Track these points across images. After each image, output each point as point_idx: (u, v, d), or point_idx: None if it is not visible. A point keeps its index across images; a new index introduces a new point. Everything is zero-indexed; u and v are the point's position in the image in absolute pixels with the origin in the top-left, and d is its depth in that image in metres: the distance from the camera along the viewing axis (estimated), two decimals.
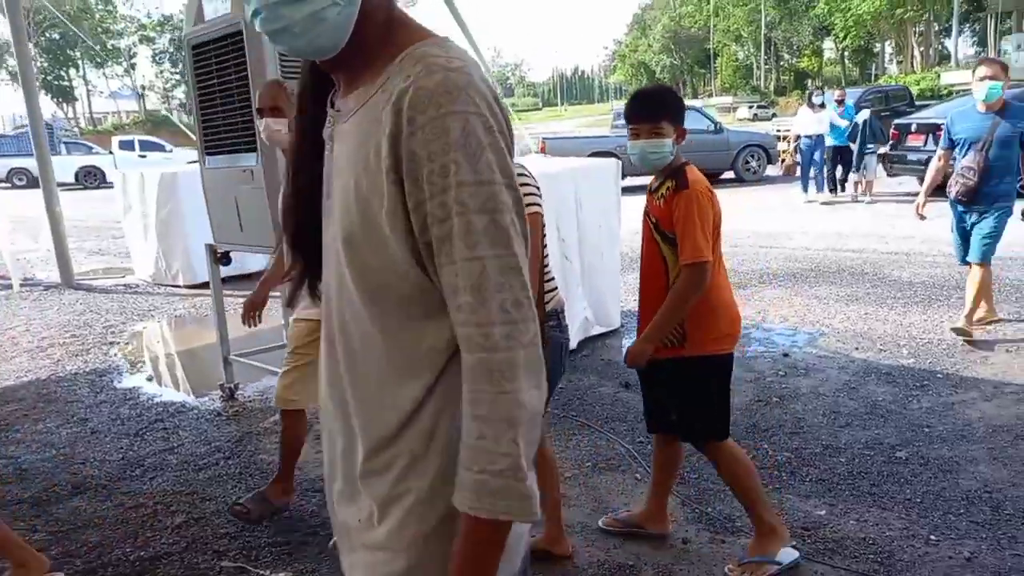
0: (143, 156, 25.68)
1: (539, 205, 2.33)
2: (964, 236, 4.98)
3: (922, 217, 5.25)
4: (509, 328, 0.89)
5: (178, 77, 63.89)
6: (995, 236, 4.79)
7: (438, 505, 0.99)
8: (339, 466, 1.11)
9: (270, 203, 3.93)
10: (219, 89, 4.08)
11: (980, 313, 5.07)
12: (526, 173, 2.37)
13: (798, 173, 12.82)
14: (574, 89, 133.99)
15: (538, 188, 2.37)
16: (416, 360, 0.98)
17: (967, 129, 4.80)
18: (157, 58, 64.06)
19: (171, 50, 62.42)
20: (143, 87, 65.05)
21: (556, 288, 2.56)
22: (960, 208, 4.92)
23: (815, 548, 2.75)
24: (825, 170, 12.19)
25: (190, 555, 2.94)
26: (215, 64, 4.03)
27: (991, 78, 4.64)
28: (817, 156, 12.04)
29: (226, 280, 4.99)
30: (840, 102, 12.10)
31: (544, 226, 2.46)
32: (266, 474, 3.59)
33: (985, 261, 4.83)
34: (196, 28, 4.08)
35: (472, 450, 0.91)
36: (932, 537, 2.78)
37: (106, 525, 3.20)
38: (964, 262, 5.09)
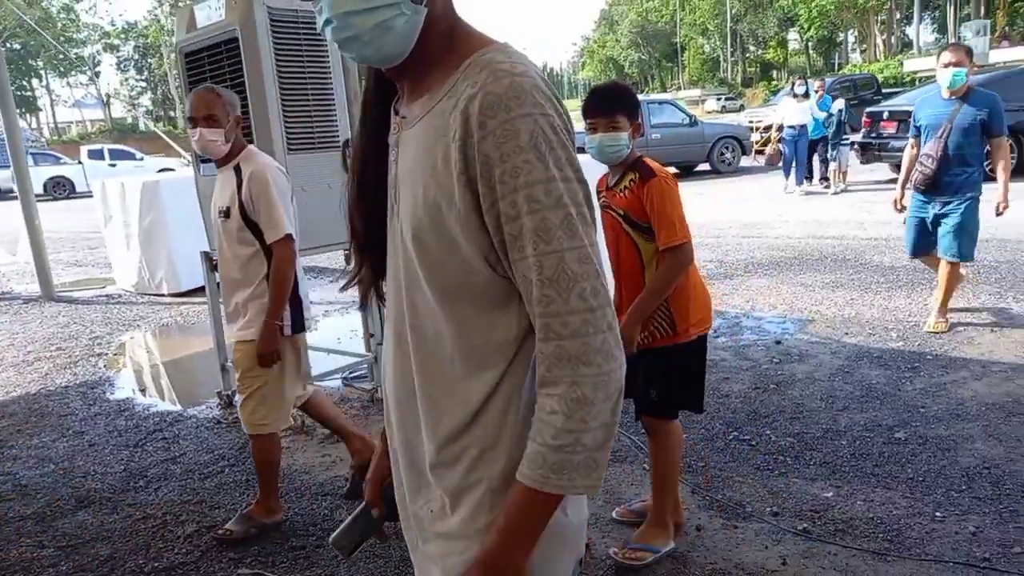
0: (113, 165, 25.32)
1: None
2: (921, 228, 4.83)
3: (901, 208, 5.10)
4: (588, 315, 0.93)
5: (144, 84, 63.08)
6: (963, 230, 4.62)
7: (509, 494, 1.02)
8: (407, 459, 1.13)
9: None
10: None
11: (931, 322, 4.89)
12: None
13: (781, 163, 12.79)
14: None
15: None
16: (487, 353, 1.01)
17: (929, 116, 4.74)
18: (122, 66, 63.14)
19: (136, 57, 61.58)
20: (108, 95, 64.07)
21: None
22: (921, 197, 4.78)
23: (825, 530, 2.81)
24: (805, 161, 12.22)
25: (206, 564, 2.93)
26: (209, 71, 4.02)
27: (956, 64, 4.57)
28: (801, 146, 12.05)
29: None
30: (819, 92, 12.08)
31: None
32: None
33: (956, 258, 4.69)
34: (188, 36, 4.06)
35: (541, 423, 0.95)
36: (937, 514, 2.85)
37: (115, 538, 3.18)
38: (915, 255, 5.02)
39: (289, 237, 2.93)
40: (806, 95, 11.97)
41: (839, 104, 11.76)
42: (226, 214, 2.98)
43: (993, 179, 4.77)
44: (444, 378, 1.04)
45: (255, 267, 2.99)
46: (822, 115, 11.78)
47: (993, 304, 5.38)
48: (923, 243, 4.90)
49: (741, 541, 2.79)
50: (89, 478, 3.76)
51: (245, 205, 2.92)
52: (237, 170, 2.97)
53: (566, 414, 0.93)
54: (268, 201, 2.89)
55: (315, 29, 4.06)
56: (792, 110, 12.04)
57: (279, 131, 3.95)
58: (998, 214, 4.78)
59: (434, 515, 1.09)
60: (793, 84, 12.82)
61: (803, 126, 11.85)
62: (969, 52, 4.76)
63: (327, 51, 4.13)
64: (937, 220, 4.74)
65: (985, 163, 4.78)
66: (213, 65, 4.03)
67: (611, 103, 2.57)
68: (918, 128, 4.85)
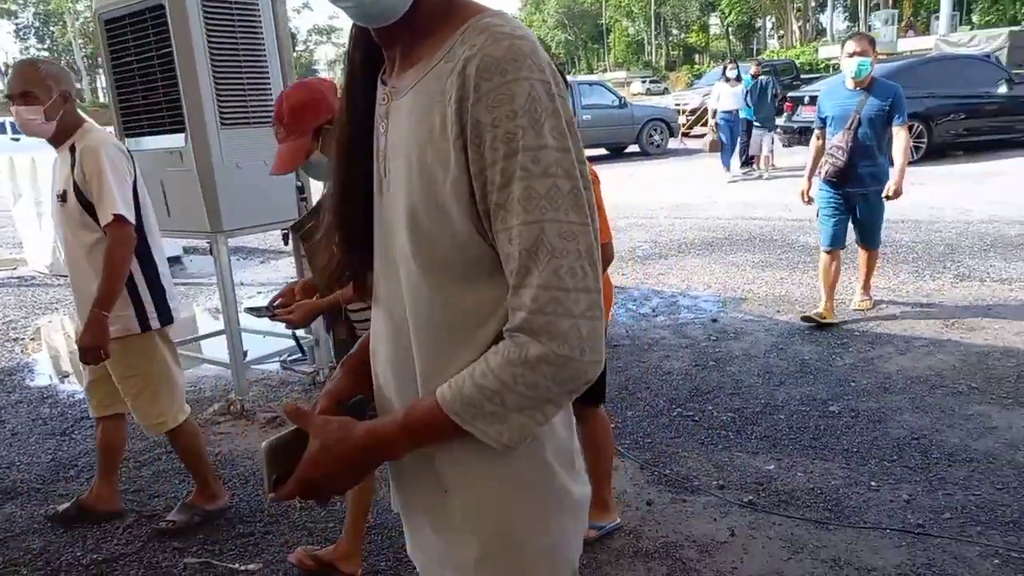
0: (16, 139, 23.83)
1: None
2: (838, 220, 4.75)
3: (809, 200, 5.03)
4: (559, 295, 0.88)
5: (46, 53, 59.55)
6: (878, 220, 4.79)
7: (510, 478, 1.01)
8: None
9: (202, 185, 3.77)
10: (138, 67, 3.85)
11: (820, 308, 4.83)
12: None
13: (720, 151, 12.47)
14: None
15: None
16: (478, 329, 0.98)
17: (835, 107, 4.69)
18: (21, 33, 59.48)
19: (36, 25, 58.10)
20: (6, 64, 60.28)
21: None
22: (832, 189, 4.71)
23: (770, 501, 2.91)
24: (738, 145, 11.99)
25: (148, 554, 2.82)
26: (132, 41, 3.81)
27: (860, 54, 4.52)
28: (736, 131, 11.85)
29: None
30: (755, 76, 11.70)
31: None
32: (214, 466, 3.47)
33: (875, 247, 4.91)
34: (110, 2, 3.83)
35: (482, 359, 0.93)
36: (873, 483, 2.99)
37: (47, 530, 3.03)
38: (831, 247, 4.78)
39: (122, 218, 2.64)
40: (738, 78, 11.78)
41: (763, 80, 11.52)
42: (63, 198, 2.72)
43: None
44: (443, 356, 1.00)
45: (101, 254, 2.70)
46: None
47: (912, 282, 5.66)
48: (842, 234, 4.80)
49: (690, 514, 2.86)
50: (14, 468, 3.57)
51: (80, 185, 2.67)
52: (72, 150, 2.70)
53: (500, 364, 0.90)
54: (100, 179, 2.63)
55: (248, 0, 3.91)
56: (726, 94, 11.85)
57: (211, 105, 3.78)
58: (889, 197, 4.71)
59: (432, 502, 1.06)
60: (725, 68, 12.61)
61: (736, 111, 11.70)
62: (872, 42, 4.72)
63: (260, 23, 3.97)
64: (852, 211, 4.75)
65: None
66: (136, 34, 3.82)
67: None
68: (823, 120, 4.81)
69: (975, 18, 36.87)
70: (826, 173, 4.68)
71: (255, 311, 2.56)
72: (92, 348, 2.66)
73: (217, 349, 4.73)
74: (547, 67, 0.91)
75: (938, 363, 4.12)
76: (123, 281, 2.69)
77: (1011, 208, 7.91)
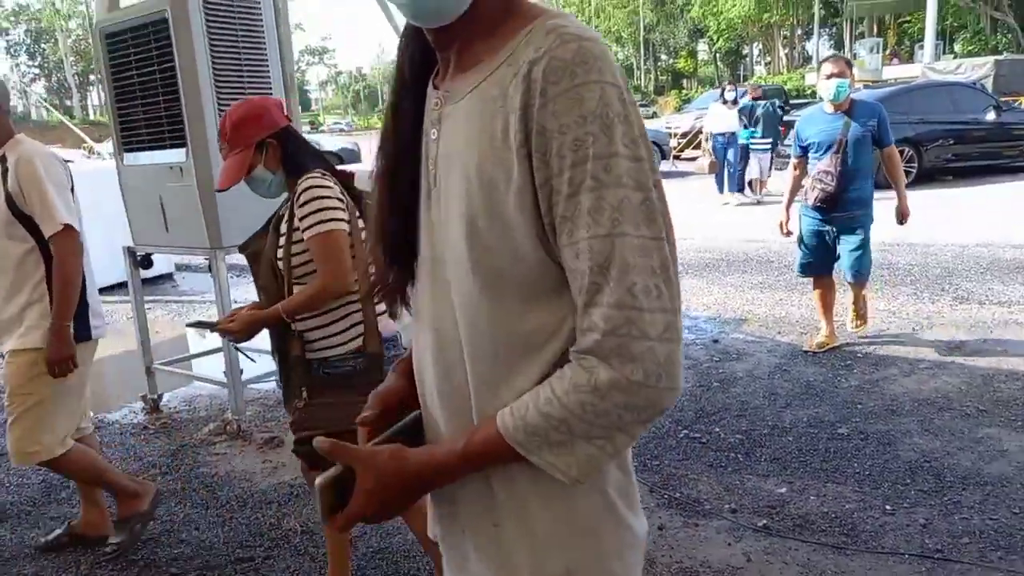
0: None
1: (344, 220, 2.16)
2: (822, 246, 4.63)
3: (788, 233, 4.92)
4: (633, 315, 0.82)
5: (37, 71, 59.54)
6: (867, 247, 4.54)
7: (571, 518, 0.95)
8: None
9: (202, 200, 3.71)
10: (139, 81, 3.81)
11: (821, 338, 4.76)
12: (330, 184, 2.18)
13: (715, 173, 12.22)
14: None
15: (342, 201, 2.18)
16: (539, 352, 0.92)
17: (819, 132, 4.53)
18: (12, 50, 59.35)
19: (28, 41, 58.01)
20: None
21: (384, 312, 2.25)
22: (819, 216, 4.56)
23: (784, 525, 2.85)
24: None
25: None
26: (134, 54, 3.77)
27: (838, 75, 4.40)
28: (731, 155, 11.62)
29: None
30: (755, 99, 11.63)
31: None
32: (210, 488, 3.40)
33: (863, 278, 4.64)
34: (110, 16, 3.81)
35: (547, 383, 0.87)
36: (887, 507, 2.94)
37: (38, 554, 2.93)
38: (806, 273, 4.75)
39: (70, 228, 2.60)
40: (735, 101, 11.59)
41: (771, 103, 11.42)
42: None
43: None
44: (499, 378, 0.94)
45: (31, 266, 2.65)
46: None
47: (912, 304, 5.65)
48: (824, 261, 4.66)
49: (704, 539, 2.80)
50: (4, 490, 3.47)
51: (13, 196, 2.58)
52: (3, 160, 2.63)
53: (567, 390, 0.84)
54: (40, 189, 2.56)
55: (252, 16, 3.88)
56: (721, 117, 11.61)
57: (213, 120, 3.74)
58: (901, 222, 4.65)
59: (483, 528, 0.99)
60: (723, 89, 12.36)
61: (732, 133, 11.48)
62: (849, 63, 4.62)
63: (264, 37, 3.94)
64: (838, 238, 4.58)
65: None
66: (138, 47, 3.79)
67: None
68: (804, 148, 4.64)
69: (958, 47, 37.46)
70: (815, 199, 4.49)
71: (199, 326, 2.62)
72: (60, 360, 2.59)
73: (210, 368, 4.64)
74: (618, 71, 0.86)
75: (944, 385, 4.09)
76: (78, 289, 2.65)
77: (1004, 232, 7.95)
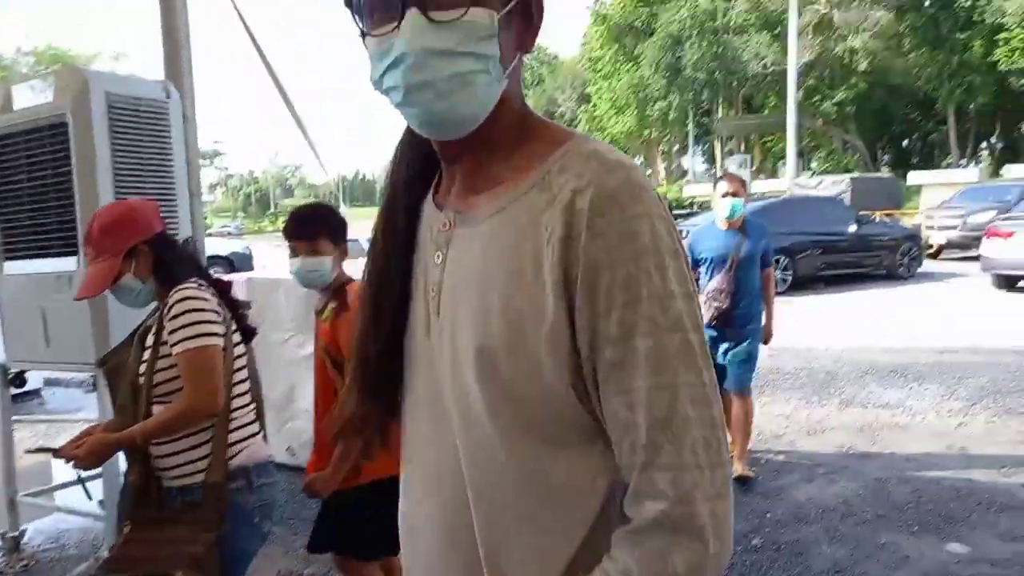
0: None
1: (219, 336, 2.02)
2: (719, 364, 4.49)
3: None
4: (698, 476, 0.76)
5: None
6: (753, 360, 4.56)
7: None
8: None
9: (92, 311, 3.46)
10: (28, 185, 3.59)
11: (738, 469, 4.50)
12: (205, 296, 2.03)
13: None
14: (355, 191, 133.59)
15: (218, 314, 2.05)
16: (570, 511, 0.84)
17: (713, 248, 4.52)
18: None
19: None
20: None
21: (257, 434, 2.17)
22: (712, 333, 4.45)
23: None
24: None
25: None
26: (26, 158, 3.56)
27: (733, 195, 4.45)
28: None
29: None
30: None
31: (246, 357, 2.17)
32: None
33: (747, 391, 4.59)
34: (5, 117, 3.60)
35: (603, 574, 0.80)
36: None
37: None
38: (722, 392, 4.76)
39: None
40: None
41: None
42: None
43: None
44: (518, 540, 0.84)
45: None
46: None
47: (803, 408, 5.90)
48: (720, 378, 4.62)
49: None
50: None
51: None
52: None
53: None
54: None
55: (159, 120, 3.77)
56: None
57: None
58: (765, 343, 4.69)
59: None
60: None
61: None
62: (744, 183, 4.67)
63: (170, 139, 3.83)
64: (726, 353, 4.54)
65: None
66: (31, 151, 3.59)
67: (313, 225, 2.45)
68: (696, 262, 4.58)
69: (815, 165, 41.14)
70: (709, 317, 4.49)
71: (40, 452, 2.25)
72: None
73: (79, 497, 4.19)
74: (663, 202, 0.82)
75: (842, 490, 4.23)
76: None
77: (875, 336, 8.53)
